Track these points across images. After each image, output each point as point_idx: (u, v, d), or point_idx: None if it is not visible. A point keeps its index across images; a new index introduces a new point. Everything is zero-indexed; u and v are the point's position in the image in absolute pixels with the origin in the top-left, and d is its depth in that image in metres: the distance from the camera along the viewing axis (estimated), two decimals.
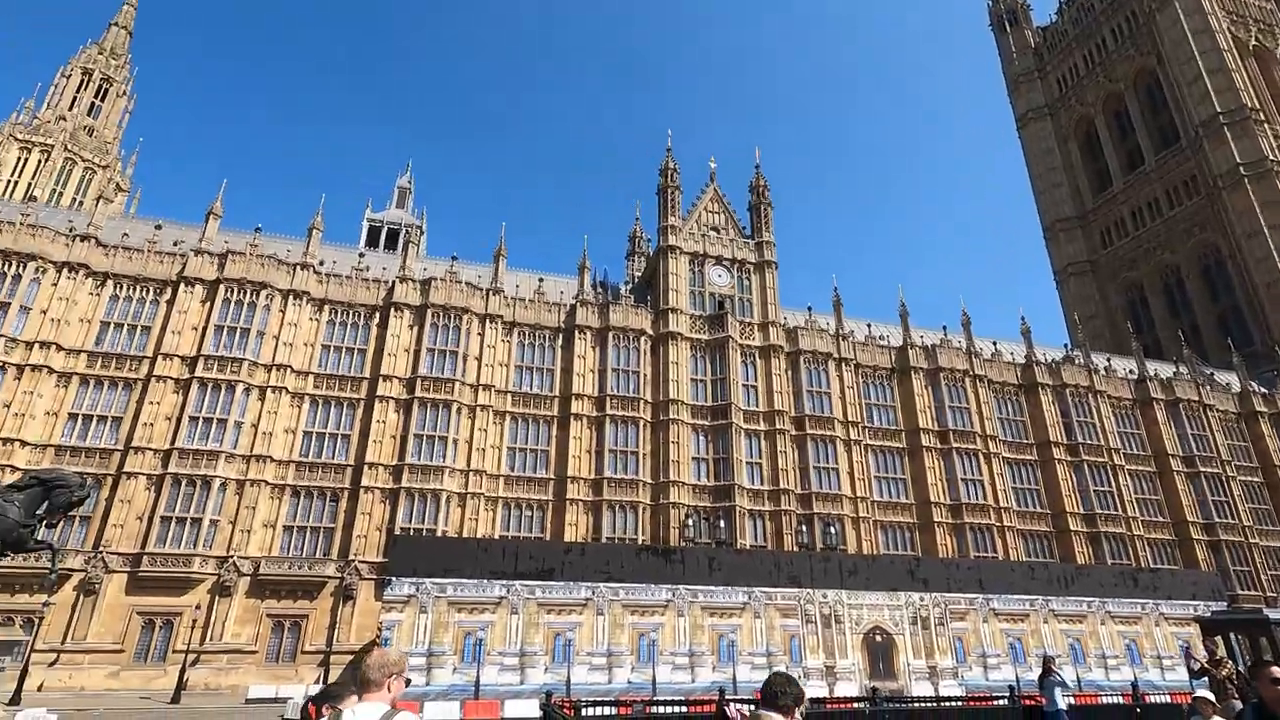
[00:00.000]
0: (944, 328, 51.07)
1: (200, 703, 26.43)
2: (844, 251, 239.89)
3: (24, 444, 31.78)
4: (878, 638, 25.59)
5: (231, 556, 32.27)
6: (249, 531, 33.23)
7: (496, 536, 35.59)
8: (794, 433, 42.75)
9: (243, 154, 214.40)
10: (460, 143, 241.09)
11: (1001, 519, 43.87)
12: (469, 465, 37.06)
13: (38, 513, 18.17)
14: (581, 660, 23.90)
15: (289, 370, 36.67)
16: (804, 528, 39.60)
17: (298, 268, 38.91)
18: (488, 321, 40.84)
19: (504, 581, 24.78)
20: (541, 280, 46.18)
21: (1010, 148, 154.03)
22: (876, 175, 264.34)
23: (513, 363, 41.02)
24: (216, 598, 31.60)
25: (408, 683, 3.25)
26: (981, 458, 45.33)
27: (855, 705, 21.30)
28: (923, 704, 22.54)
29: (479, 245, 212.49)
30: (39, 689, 26.69)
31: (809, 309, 49.22)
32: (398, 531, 33.58)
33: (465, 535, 34.74)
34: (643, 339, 42.89)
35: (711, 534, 37.23)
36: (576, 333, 42.08)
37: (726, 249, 47.60)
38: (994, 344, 53.02)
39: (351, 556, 33.68)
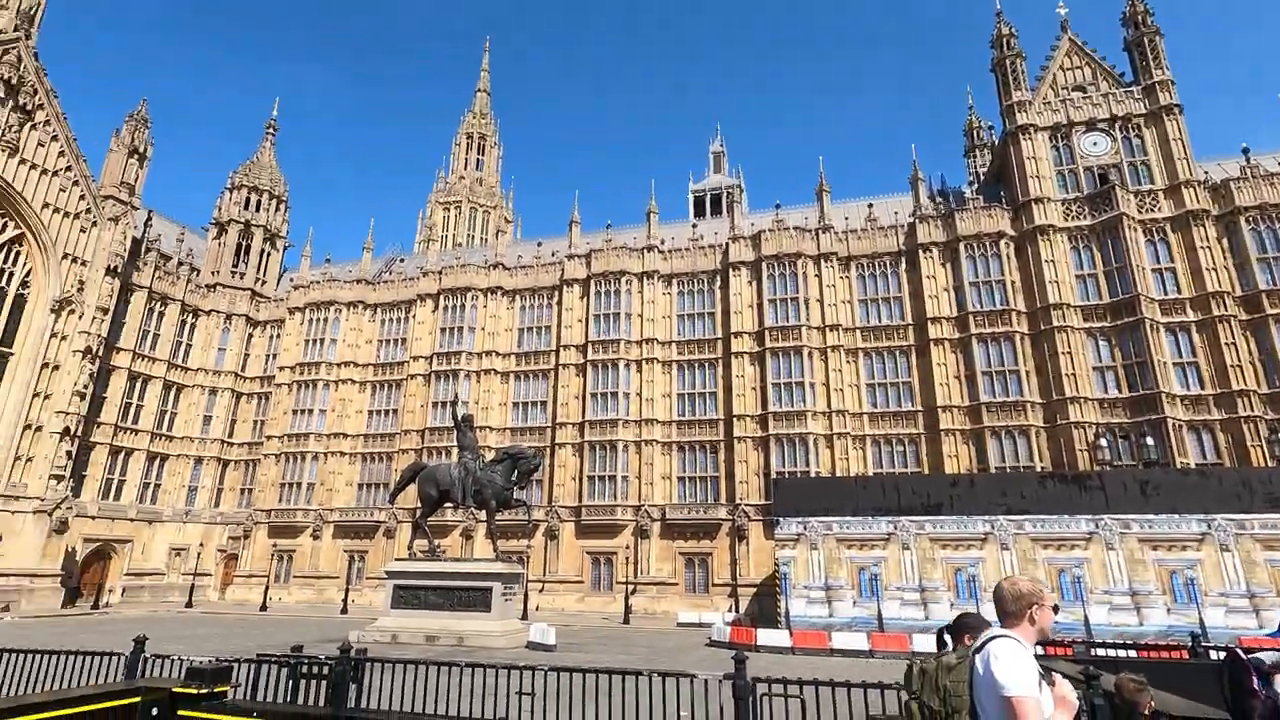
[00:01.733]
0: None
1: (642, 624, 31.97)
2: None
3: (491, 429, 42.07)
4: None
5: (643, 505, 38.09)
6: (651, 484, 38.76)
7: (870, 474, 35.16)
8: (1243, 318, 32.90)
9: (579, 159, 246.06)
10: (764, 97, 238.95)
11: None
12: (829, 407, 37.22)
13: (511, 479, 23.91)
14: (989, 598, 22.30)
15: (655, 343, 41.42)
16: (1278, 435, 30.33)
17: (644, 251, 43.47)
18: (821, 262, 40.16)
19: (889, 517, 24.45)
20: (871, 206, 43.50)
21: None
22: None
23: (855, 298, 39.69)
24: (638, 539, 37.70)
25: (1055, 610, 3.12)
26: None
27: None
28: None
29: (799, 188, 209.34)
30: (535, 609, 35.31)
31: (1244, 151, 37.02)
32: (773, 475, 35.55)
33: (839, 475, 35.10)
34: (1002, 242, 37.44)
35: (1137, 453, 31.01)
36: (920, 253, 38.71)
37: (1101, 107, 38.47)
38: None
39: (738, 500, 36.84)
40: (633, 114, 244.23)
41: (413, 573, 21.95)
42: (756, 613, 31.69)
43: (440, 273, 46.71)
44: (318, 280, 49.22)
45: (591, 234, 47.73)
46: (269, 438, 46.19)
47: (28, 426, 38.08)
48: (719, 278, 42.24)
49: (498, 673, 8.43)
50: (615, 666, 8.06)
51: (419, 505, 25.32)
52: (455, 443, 39.63)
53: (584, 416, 40.59)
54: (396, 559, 27.70)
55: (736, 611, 32.44)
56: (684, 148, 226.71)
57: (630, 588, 35.48)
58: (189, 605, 38.72)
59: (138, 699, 6.29)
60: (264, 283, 52.85)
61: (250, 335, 50.93)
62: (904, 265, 39.33)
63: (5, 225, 38.93)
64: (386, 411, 45.70)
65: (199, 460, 46.97)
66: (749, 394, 38.82)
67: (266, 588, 39.37)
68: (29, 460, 37.90)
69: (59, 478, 38.10)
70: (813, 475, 35.25)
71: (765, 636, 22.86)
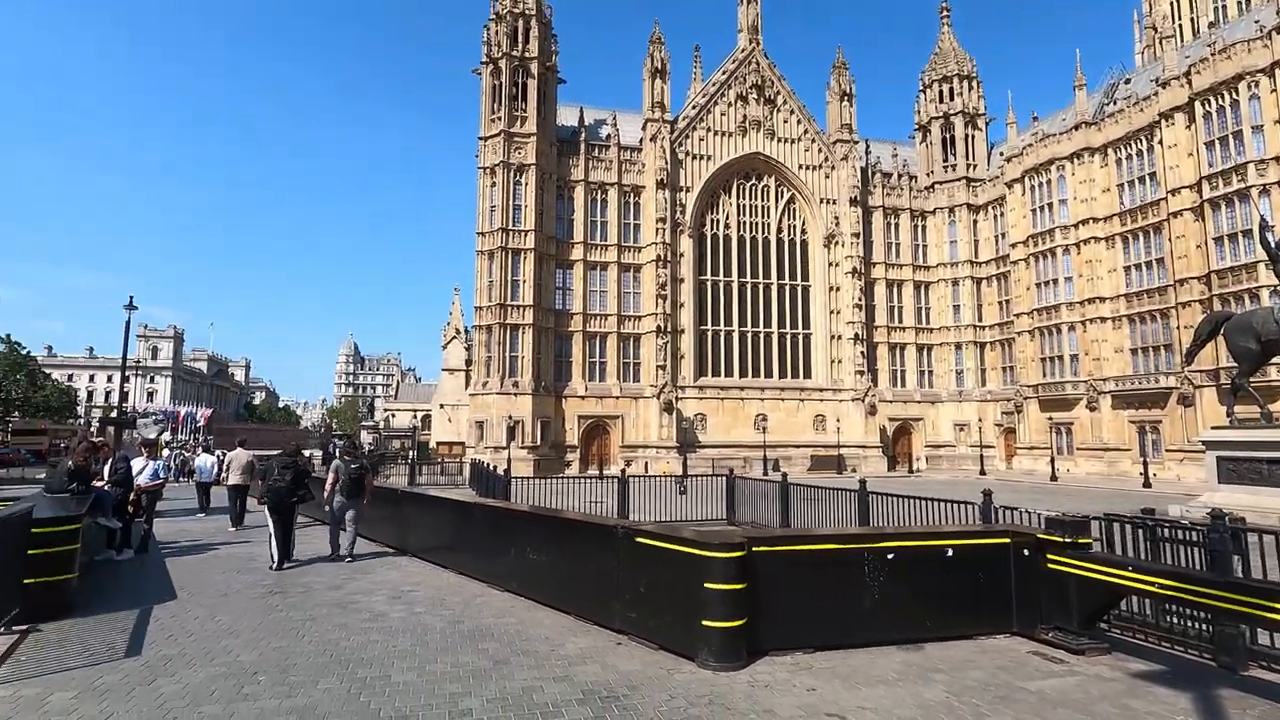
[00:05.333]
0: None
1: None
2: None
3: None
4: None
5: None
6: None
7: None
8: None
9: None
10: None
11: None
12: None
13: None
14: None
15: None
16: None
17: None
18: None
19: None
20: None
21: None
22: None
23: None
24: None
25: None
26: None
27: None
28: None
29: None
30: None
31: None
32: None
33: None
34: None
35: None
36: None
37: None
38: None
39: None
40: None
41: (1242, 443, 18.07)
42: None
43: (1189, 74, 36.29)
44: (1029, 144, 45.82)
45: None
46: (1017, 316, 46.24)
47: (832, 336, 49.78)
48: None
49: None
50: None
51: (1228, 364, 20.57)
52: (1268, 282, 30.64)
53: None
54: (1213, 427, 23.40)
55: None
56: None
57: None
58: (981, 473, 42.97)
59: (1007, 540, 7.32)
60: (974, 166, 52.88)
61: (975, 221, 52.02)
62: None
63: (782, 192, 51.48)
64: (1147, 264, 38.95)
65: (957, 346, 51.31)
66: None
67: (1052, 459, 39.82)
68: (839, 361, 49.55)
69: (860, 372, 48.41)
70: None
71: None
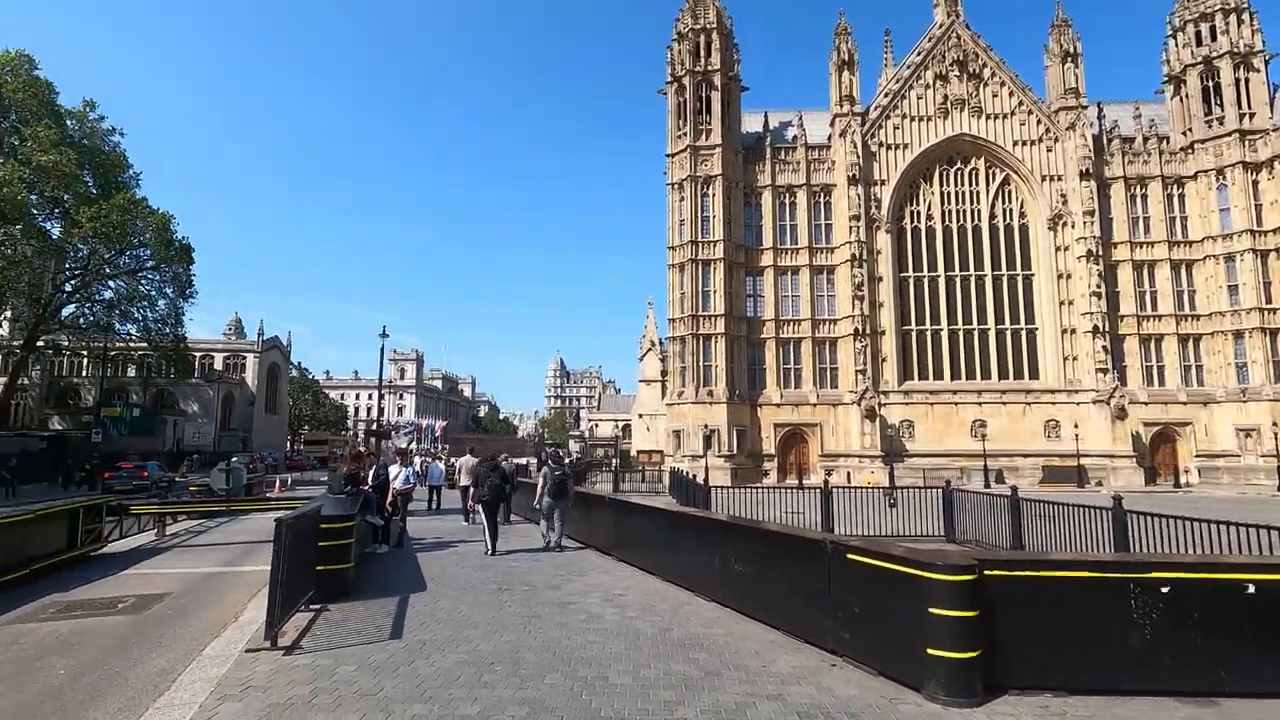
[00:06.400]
0: None
1: None
2: None
3: None
4: None
5: None
6: None
7: None
8: None
9: None
10: None
11: None
12: None
13: None
14: None
15: None
16: None
17: None
18: None
19: None
20: None
21: None
22: None
23: None
24: None
25: None
26: None
27: None
28: None
29: None
30: None
31: None
32: None
33: None
34: None
35: None
36: None
37: None
38: None
39: None
40: None
41: None
42: None
43: None
44: None
45: None
46: None
47: (1063, 330, 43.73)
48: None
49: None
50: None
51: None
52: None
53: None
54: None
55: None
56: None
57: None
58: None
59: None
60: (1250, 116, 43.58)
61: (1255, 183, 42.84)
62: None
63: (993, 174, 46.46)
64: None
65: (1237, 335, 42.34)
66: None
67: None
68: (1073, 359, 43.36)
69: (1103, 370, 41.91)
70: None
71: None
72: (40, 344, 46.13)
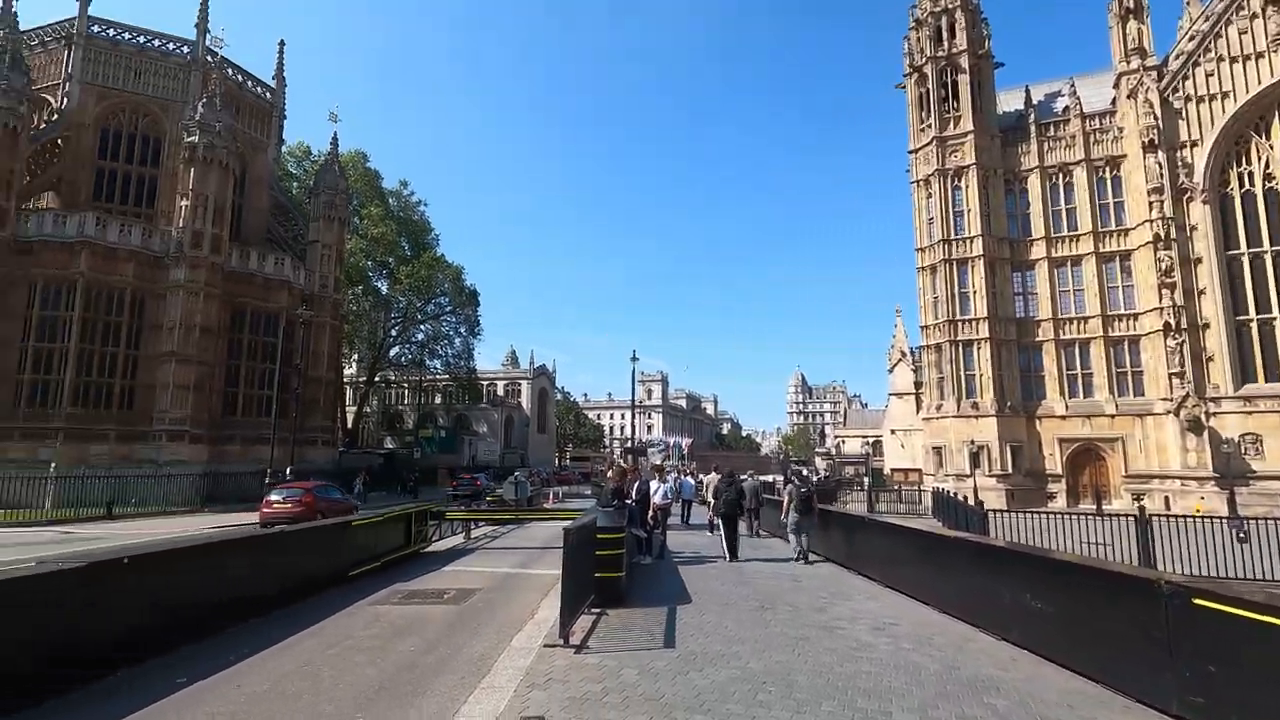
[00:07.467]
0: None
1: None
2: None
3: None
4: None
5: None
6: None
7: None
8: None
9: None
10: None
11: None
12: None
13: None
14: None
15: None
16: None
17: None
18: None
19: None
20: None
21: None
22: None
23: None
24: None
25: None
26: None
27: None
28: None
29: None
30: None
31: None
32: None
33: None
34: None
35: None
36: None
37: None
38: None
39: None
40: None
41: None
42: None
43: None
44: None
45: None
46: None
47: None
48: None
49: None
50: None
51: None
52: None
53: None
54: None
55: None
56: None
57: None
58: None
59: None
60: None
61: None
62: None
63: None
64: None
65: None
66: None
67: None
68: None
69: None
70: None
71: None
72: (376, 379, 57.73)
